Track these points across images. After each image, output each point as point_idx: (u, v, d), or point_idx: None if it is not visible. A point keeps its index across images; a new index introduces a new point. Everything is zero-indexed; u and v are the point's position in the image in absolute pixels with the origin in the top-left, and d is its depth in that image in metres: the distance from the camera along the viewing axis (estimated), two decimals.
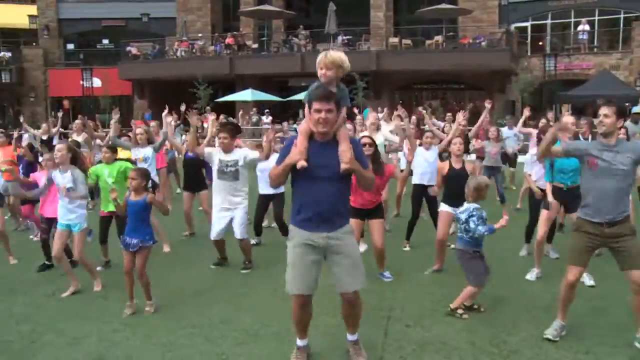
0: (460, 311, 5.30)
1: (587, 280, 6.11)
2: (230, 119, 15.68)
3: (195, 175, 8.65)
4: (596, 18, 28.29)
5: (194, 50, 30.89)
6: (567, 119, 6.19)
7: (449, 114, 13.26)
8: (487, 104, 9.42)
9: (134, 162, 8.07)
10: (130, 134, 9.39)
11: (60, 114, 14.57)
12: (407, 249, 7.74)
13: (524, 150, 12.12)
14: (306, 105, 4.05)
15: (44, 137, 13.32)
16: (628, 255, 4.50)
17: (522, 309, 5.49)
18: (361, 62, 26.64)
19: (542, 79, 25.74)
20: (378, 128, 8.55)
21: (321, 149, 4.00)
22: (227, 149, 6.78)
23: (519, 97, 26.61)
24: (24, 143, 11.87)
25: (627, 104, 18.18)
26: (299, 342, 4.47)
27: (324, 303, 5.29)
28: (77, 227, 6.13)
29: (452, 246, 7.29)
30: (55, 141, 13.44)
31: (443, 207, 6.70)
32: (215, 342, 4.86)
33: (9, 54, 33.65)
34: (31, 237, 8.80)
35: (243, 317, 5.38)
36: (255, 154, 6.88)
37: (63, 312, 5.69)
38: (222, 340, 4.90)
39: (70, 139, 11.14)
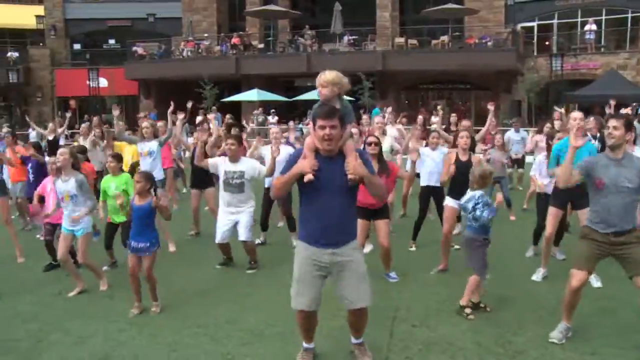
0: (468, 310, 5.28)
1: (595, 281, 6.08)
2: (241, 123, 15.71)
3: (203, 173, 8.65)
4: (603, 17, 28.15)
5: (200, 50, 30.95)
6: (576, 114, 6.13)
7: (453, 114, 13.19)
8: (490, 106, 9.32)
9: (133, 168, 8.06)
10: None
11: (68, 114, 14.66)
12: (413, 249, 7.73)
13: (530, 153, 12.09)
14: (310, 123, 4.07)
15: (50, 137, 13.36)
16: (634, 261, 4.45)
17: (528, 310, 5.47)
18: (367, 62, 26.66)
19: (548, 79, 25.65)
20: (384, 132, 8.59)
21: (327, 164, 3.98)
22: (234, 156, 6.79)
23: (525, 97, 26.53)
24: (31, 140, 11.97)
25: (634, 104, 18.09)
26: (305, 345, 4.49)
27: (326, 306, 5.28)
28: (80, 232, 6.14)
29: (457, 247, 7.30)
30: (61, 142, 13.51)
31: (448, 202, 6.68)
32: (221, 342, 4.87)
33: (16, 54, 33.83)
34: (38, 236, 8.83)
35: (248, 317, 5.39)
36: (262, 170, 6.88)
37: (69, 311, 5.71)
38: (228, 340, 4.91)
39: (76, 143, 11.21)
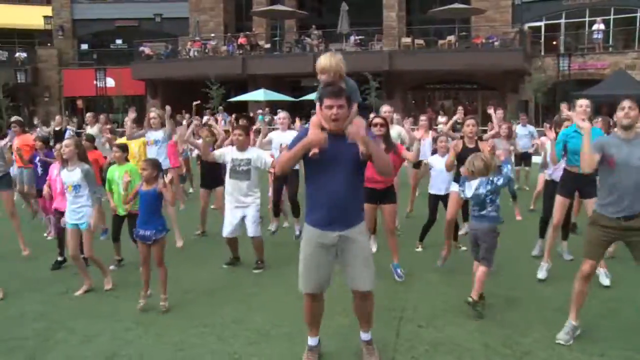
0: (479, 307, 5.25)
1: (605, 279, 6.06)
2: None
3: (212, 172, 8.65)
4: (611, 17, 28.03)
5: (206, 50, 31.01)
6: (582, 101, 6.10)
7: (460, 108, 13.09)
8: (490, 111, 9.20)
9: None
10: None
11: (75, 120, 14.83)
12: (420, 249, 7.71)
13: (537, 152, 12.04)
14: (317, 104, 4.06)
15: (57, 129, 13.45)
16: None
17: (535, 310, 5.45)
18: (374, 62, 26.64)
19: (555, 79, 25.57)
20: (392, 121, 8.62)
21: (333, 142, 3.97)
22: (241, 146, 6.81)
23: (532, 97, 26.46)
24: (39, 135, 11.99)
25: None
26: (310, 341, 4.47)
27: (335, 304, 5.28)
28: (84, 225, 6.12)
29: (464, 248, 7.27)
30: (67, 134, 13.58)
31: (454, 188, 6.64)
32: (227, 342, 4.86)
33: (24, 55, 34.00)
34: (45, 235, 8.87)
35: (255, 317, 5.38)
36: (267, 162, 6.89)
37: (76, 310, 5.73)
38: (234, 339, 4.91)
39: (84, 132, 11.25)
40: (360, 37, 28.94)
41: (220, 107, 25.81)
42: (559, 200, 6.31)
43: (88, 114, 12.49)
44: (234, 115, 15.37)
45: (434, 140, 9.48)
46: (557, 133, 6.91)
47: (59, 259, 7.24)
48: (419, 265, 6.99)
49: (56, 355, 4.70)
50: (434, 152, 8.00)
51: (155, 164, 5.70)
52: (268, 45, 30.83)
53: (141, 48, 32.14)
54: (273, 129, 10.22)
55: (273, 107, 26.97)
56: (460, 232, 7.80)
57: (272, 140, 8.08)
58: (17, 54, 33.84)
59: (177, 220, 7.36)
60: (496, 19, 28.73)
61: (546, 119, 25.07)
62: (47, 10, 36.16)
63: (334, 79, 4.08)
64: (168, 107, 8.85)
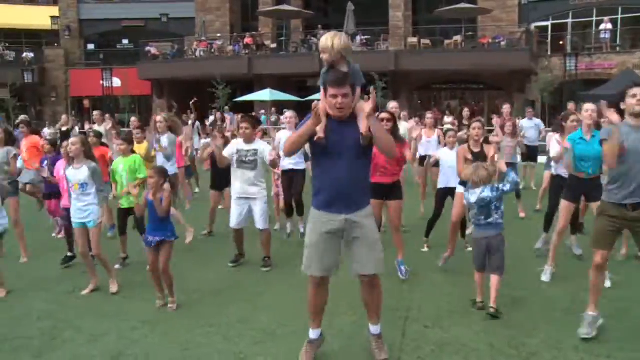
0: (501, 313, 5.23)
1: (607, 281, 6.00)
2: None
3: (222, 174, 8.66)
4: (619, 16, 27.91)
5: (212, 50, 31.07)
6: (588, 106, 6.09)
7: (466, 109, 13.05)
8: (494, 121, 9.14)
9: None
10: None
11: (79, 122, 14.91)
12: (426, 249, 7.68)
13: (543, 151, 12.01)
14: (322, 89, 4.05)
15: (64, 129, 13.50)
16: None
17: (541, 311, 5.42)
18: (380, 62, 26.62)
19: (562, 78, 25.48)
20: (399, 117, 8.64)
21: (338, 126, 3.98)
22: (248, 139, 6.83)
23: (539, 97, 26.38)
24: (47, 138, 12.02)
25: None
26: (312, 334, 4.45)
27: (340, 302, 5.28)
28: (91, 223, 6.12)
29: (470, 249, 7.25)
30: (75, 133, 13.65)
31: (460, 189, 6.62)
32: (233, 341, 4.87)
33: (31, 55, 34.15)
34: (53, 234, 8.90)
35: (261, 316, 5.39)
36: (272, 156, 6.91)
37: (82, 309, 5.74)
38: (240, 339, 4.91)
39: (90, 129, 11.27)
40: (366, 37, 28.93)
41: (226, 107, 25.88)
42: (565, 205, 6.27)
43: (95, 112, 12.56)
44: (240, 115, 15.39)
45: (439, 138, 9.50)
46: (563, 127, 6.91)
47: (69, 254, 7.27)
48: (425, 265, 6.98)
49: (62, 354, 4.72)
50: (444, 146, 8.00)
51: (161, 172, 5.72)
52: (274, 45, 30.86)
53: (147, 48, 32.24)
54: (279, 129, 10.24)
55: (279, 107, 27.00)
56: (468, 232, 7.78)
57: (280, 139, 8.06)
58: (25, 54, 34.01)
59: (182, 218, 7.38)
60: (503, 19, 28.66)
61: (553, 118, 24.99)
62: (54, 11, 36.32)
63: (335, 58, 4.04)
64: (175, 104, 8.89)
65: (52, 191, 7.81)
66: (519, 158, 11.15)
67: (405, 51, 28.21)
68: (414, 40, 28.30)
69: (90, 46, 36.98)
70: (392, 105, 8.67)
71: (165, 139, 8.78)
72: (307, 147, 4.32)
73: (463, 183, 6.56)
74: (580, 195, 6.28)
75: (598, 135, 5.83)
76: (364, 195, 4.24)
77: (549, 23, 29.57)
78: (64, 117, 14.78)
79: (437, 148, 9.15)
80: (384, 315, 4.56)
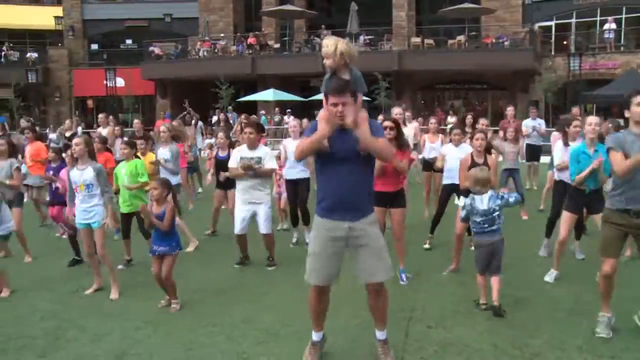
0: (504, 310, 5.29)
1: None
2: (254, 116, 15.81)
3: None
4: (623, 16, 27.83)
5: (216, 50, 31.10)
6: (591, 119, 6.10)
7: (469, 116, 13.08)
8: (494, 142, 9.13)
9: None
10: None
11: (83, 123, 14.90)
12: (427, 246, 7.68)
13: (546, 151, 12.02)
14: (323, 96, 4.06)
15: (68, 134, 13.51)
16: None
17: (544, 311, 5.41)
18: (383, 62, 26.61)
19: (566, 78, 25.41)
20: (404, 122, 8.62)
21: (340, 135, 3.98)
22: (252, 144, 6.80)
23: (542, 97, 26.32)
24: (50, 143, 12.07)
25: None
26: (314, 337, 4.46)
27: (343, 305, 5.28)
28: (96, 224, 6.12)
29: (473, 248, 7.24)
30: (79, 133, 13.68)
31: (461, 203, 6.62)
32: (236, 341, 4.87)
33: (35, 55, 34.22)
34: (57, 234, 8.92)
35: (264, 317, 5.39)
36: (274, 165, 6.91)
37: (86, 309, 5.76)
38: (243, 339, 4.91)
39: (96, 133, 11.29)
40: (369, 37, 28.92)
41: (230, 107, 25.90)
42: (566, 216, 6.25)
43: (101, 115, 12.56)
44: (242, 116, 15.40)
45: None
46: (565, 132, 6.97)
47: (77, 258, 7.31)
48: (428, 265, 6.97)
49: (66, 353, 4.73)
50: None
51: (165, 184, 5.73)
52: (277, 45, 30.87)
53: (151, 48, 32.28)
54: (279, 129, 10.23)
55: (282, 107, 27.04)
56: None
57: (285, 147, 7.99)
58: (28, 54, 34.09)
59: (187, 230, 7.39)
60: (506, 19, 28.61)
61: (556, 119, 24.95)
62: (58, 11, 36.38)
63: (338, 64, 4.05)
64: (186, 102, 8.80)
65: (55, 198, 7.80)
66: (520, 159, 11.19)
67: (408, 51, 28.18)
68: (418, 40, 28.28)
69: (94, 46, 37.03)
70: (396, 111, 8.62)
71: (167, 152, 8.46)
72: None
73: (465, 194, 6.58)
74: (582, 206, 6.28)
75: (601, 148, 5.84)
76: (368, 202, 4.23)
77: (552, 23, 29.51)
78: (67, 122, 14.76)
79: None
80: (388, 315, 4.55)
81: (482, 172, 5.52)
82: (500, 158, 9.30)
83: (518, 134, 10.54)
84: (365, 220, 4.14)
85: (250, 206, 6.88)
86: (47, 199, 9.09)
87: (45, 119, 32.26)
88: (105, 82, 30.53)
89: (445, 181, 7.56)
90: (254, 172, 6.72)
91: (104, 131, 11.61)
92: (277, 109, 26.82)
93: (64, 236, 8.73)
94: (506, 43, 26.52)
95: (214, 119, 25.60)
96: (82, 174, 6.06)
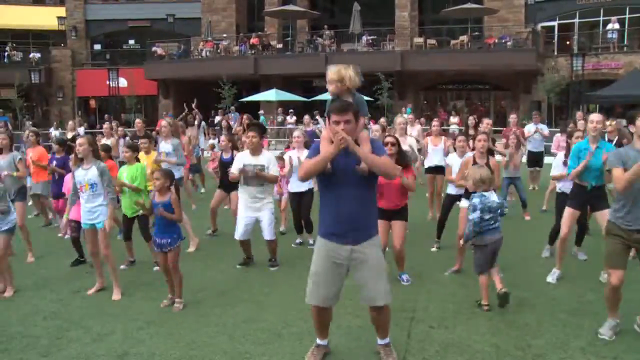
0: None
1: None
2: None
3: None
4: (627, 16, 27.74)
5: (218, 51, 31.10)
6: (594, 117, 6.09)
7: (471, 118, 13.05)
8: (495, 148, 9.11)
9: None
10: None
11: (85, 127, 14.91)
12: (434, 249, 7.68)
13: (548, 152, 12.03)
14: (326, 118, 4.09)
15: (70, 136, 13.53)
16: None
17: (547, 312, 5.41)
18: (386, 62, 26.61)
19: (569, 79, 25.34)
20: (406, 132, 8.61)
21: (342, 156, 3.97)
22: (255, 149, 6.76)
23: (545, 97, 26.26)
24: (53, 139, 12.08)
25: None
26: (319, 341, 4.50)
27: (345, 304, 5.28)
28: (100, 224, 6.13)
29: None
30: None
31: (464, 204, 6.61)
32: (239, 341, 4.87)
33: (38, 55, 34.28)
34: (60, 235, 8.93)
35: (266, 317, 5.39)
36: (277, 171, 6.90)
37: (88, 308, 5.77)
38: (245, 339, 4.92)
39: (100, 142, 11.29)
40: (372, 37, 28.90)
41: (232, 107, 25.90)
42: (569, 212, 6.25)
43: (105, 125, 12.56)
44: (245, 116, 15.47)
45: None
46: (568, 143, 7.01)
47: (80, 259, 7.32)
48: (430, 265, 6.97)
49: (68, 353, 4.74)
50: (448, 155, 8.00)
51: (167, 175, 5.76)
52: (280, 46, 30.86)
53: (154, 48, 32.30)
54: (282, 129, 10.22)
55: (285, 107, 27.04)
56: None
57: (290, 158, 7.93)
58: (32, 55, 34.14)
59: (190, 227, 7.39)
60: (509, 19, 28.56)
61: (559, 119, 24.92)
62: (61, 11, 36.43)
63: (340, 90, 4.07)
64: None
65: (60, 192, 7.85)
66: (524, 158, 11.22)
67: (411, 51, 28.16)
68: (420, 40, 28.25)
69: (97, 46, 37.07)
70: (399, 121, 8.59)
71: (169, 146, 8.60)
72: None
73: (468, 197, 6.57)
74: (585, 203, 6.26)
75: (603, 145, 5.87)
76: (370, 225, 4.20)
77: (555, 23, 29.44)
78: (70, 123, 14.79)
79: (443, 156, 9.12)
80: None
81: (485, 171, 5.52)
82: (507, 157, 9.27)
83: (520, 140, 10.55)
84: (368, 243, 4.13)
85: (254, 213, 6.87)
86: (50, 199, 9.14)
87: (48, 119, 32.29)
88: (108, 82, 30.58)
89: (450, 191, 7.54)
90: (256, 175, 6.70)
91: (107, 141, 11.60)
92: (279, 109, 26.82)
93: (66, 237, 8.75)
94: (509, 43, 26.47)
95: (217, 119, 25.62)
96: (86, 174, 6.08)
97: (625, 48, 27.37)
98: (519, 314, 5.36)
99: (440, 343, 4.76)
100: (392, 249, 6.38)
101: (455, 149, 7.84)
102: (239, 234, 6.95)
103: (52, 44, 36.56)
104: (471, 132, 10.93)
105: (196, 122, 15.56)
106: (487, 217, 5.41)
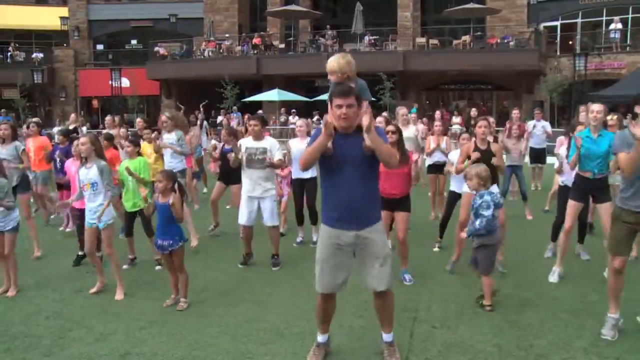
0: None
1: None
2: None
3: (231, 168, 8.66)
4: (629, 16, 27.70)
5: (221, 51, 31.15)
6: (594, 107, 6.07)
7: (474, 109, 13.07)
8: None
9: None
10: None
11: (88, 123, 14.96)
12: (437, 249, 7.67)
13: (551, 152, 12.01)
14: (329, 103, 4.08)
15: (71, 127, 13.57)
16: None
17: (549, 312, 5.40)
18: (388, 62, 26.62)
19: (571, 79, 25.33)
20: (408, 122, 8.62)
21: (345, 140, 3.98)
22: (257, 136, 6.85)
23: (547, 97, 26.23)
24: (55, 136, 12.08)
25: None
26: (319, 338, 4.49)
27: (350, 302, 5.28)
28: (102, 224, 6.13)
29: None
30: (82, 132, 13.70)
31: (466, 189, 6.57)
32: (241, 341, 4.87)
33: (41, 55, 34.37)
34: (61, 229, 8.94)
35: (268, 317, 5.39)
36: (280, 156, 6.91)
37: (91, 308, 5.77)
38: (247, 339, 4.92)
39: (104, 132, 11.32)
40: (374, 37, 28.92)
41: (234, 107, 25.93)
42: (571, 204, 6.24)
43: (108, 117, 12.60)
44: (247, 116, 15.49)
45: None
46: (570, 137, 6.95)
47: (80, 253, 7.31)
48: (433, 265, 6.96)
49: (71, 353, 4.74)
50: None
51: (170, 176, 5.75)
52: (282, 46, 30.89)
53: (156, 48, 32.36)
54: (284, 129, 10.24)
55: (288, 107, 27.05)
56: None
57: (291, 147, 7.99)
58: (34, 55, 34.25)
59: (192, 221, 7.38)
60: (511, 19, 28.54)
61: (562, 119, 24.87)
62: (64, 12, 36.52)
63: (342, 79, 4.12)
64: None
65: (63, 182, 7.88)
66: (526, 158, 11.18)
67: (413, 51, 28.16)
68: (423, 40, 28.25)
69: (99, 46, 37.18)
70: (402, 112, 8.62)
71: (173, 136, 8.69)
72: None
73: None
74: (587, 195, 6.24)
75: (605, 133, 5.86)
76: (374, 210, 4.21)
77: (558, 23, 29.41)
78: (72, 115, 14.88)
79: (444, 156, 9.11)
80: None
81: (484, 170, 5.49)
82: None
83: (523, 130, 10.53)
84: (372, 229, 4.14)
85: (256, 199, 6.91)
86: (52, 194, 9.15)
87: (50, 119, 32.34)
88: (110, 82, 30.65)
89: (453, 188, 7.54)
90: (263, 162, 6.76)
91: (111, 131, 11.65)
92: (282, 109, 26.83)
93: (68, 229, 8.77)
94: (511, 43, 26.46)
95: (219, 119, 25.65)
96: (88, 173, 6.09)
97: (628, 48, 27.33)
98: (522, 314, 5.35)
99: (442, 343, 4.76)
100: (397, 240, 6.36)
101: (457, 147, 7.85)
102: (243, 218, 6.96)
103: (55, 44, 36.64)
104: (473, 123, 10.92)
105: (198, 122, 15.59)
106: (496, 214, 5.41)
